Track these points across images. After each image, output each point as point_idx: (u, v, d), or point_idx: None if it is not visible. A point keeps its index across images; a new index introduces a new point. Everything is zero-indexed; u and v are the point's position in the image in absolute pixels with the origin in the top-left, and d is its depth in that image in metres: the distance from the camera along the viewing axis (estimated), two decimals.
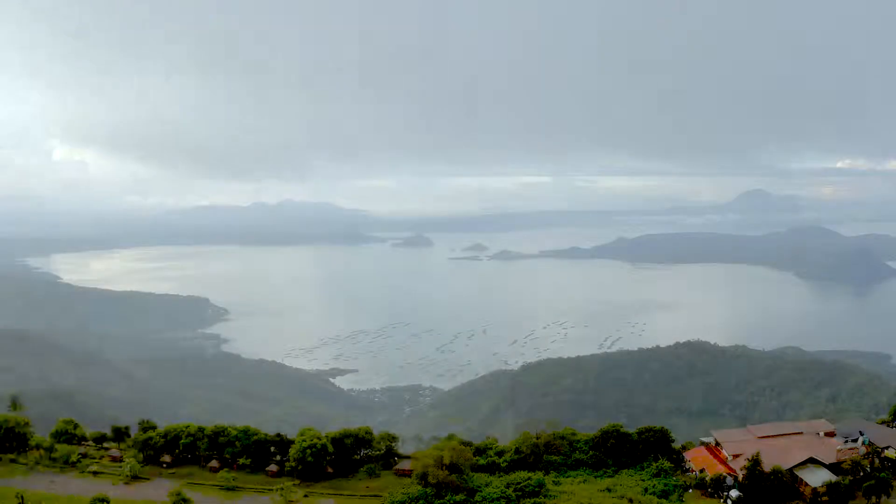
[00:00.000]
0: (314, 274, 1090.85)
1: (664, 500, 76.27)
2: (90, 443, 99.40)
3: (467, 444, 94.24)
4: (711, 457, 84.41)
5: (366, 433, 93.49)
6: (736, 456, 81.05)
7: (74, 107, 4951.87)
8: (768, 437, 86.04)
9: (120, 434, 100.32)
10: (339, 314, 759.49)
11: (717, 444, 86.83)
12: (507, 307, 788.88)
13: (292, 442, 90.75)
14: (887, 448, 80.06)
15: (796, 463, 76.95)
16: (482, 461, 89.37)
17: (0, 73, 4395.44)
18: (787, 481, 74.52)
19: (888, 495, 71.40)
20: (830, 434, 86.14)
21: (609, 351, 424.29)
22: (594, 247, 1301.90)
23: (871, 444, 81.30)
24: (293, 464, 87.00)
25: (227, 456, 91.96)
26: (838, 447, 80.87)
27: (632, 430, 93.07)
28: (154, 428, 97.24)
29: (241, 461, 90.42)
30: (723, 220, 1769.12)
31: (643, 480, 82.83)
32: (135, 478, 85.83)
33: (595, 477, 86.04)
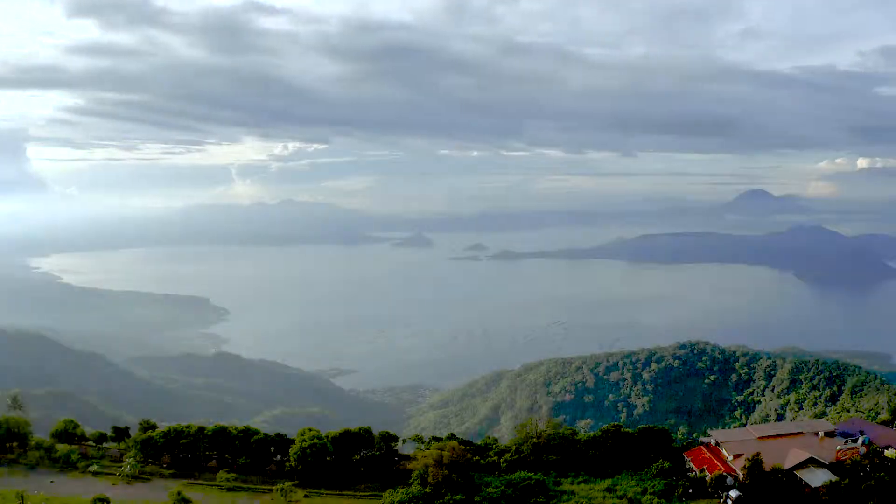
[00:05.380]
0: (314, 274, 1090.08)
1: (664, 501, 76.34)
2: (90, 443, 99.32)
3: (467, 443, 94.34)
4: (711, 457, 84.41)
5: (366, 433, 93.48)
6: (736, 456, 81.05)
7: None
8: (768, 437, 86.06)
9: (120, 434, 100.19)
10: (340, 314, 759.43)
11: (717, 444, 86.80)
12: (506, 307, 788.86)
13: (292, 442, 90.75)
14: (887, 448, 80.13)
15: (796, 463, 77.01)
16: (482, 461, 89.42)
17: None
18: (786, 481, 74.59)
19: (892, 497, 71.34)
20: (830, 434, 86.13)
21: (609, 351, 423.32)
22: (593, 247, 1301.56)
23: (871, 444, 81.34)
24: (293, 464, 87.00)
25: (227, 456, 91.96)
26: (838, 447, 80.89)
27: (632, 430, 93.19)
28: (154, 428, 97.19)
29: (241, 461, 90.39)
30: (723, 220, 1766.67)
31: (643, 480, 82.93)
32: (135, 478, 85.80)
33: (595, 477, 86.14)
